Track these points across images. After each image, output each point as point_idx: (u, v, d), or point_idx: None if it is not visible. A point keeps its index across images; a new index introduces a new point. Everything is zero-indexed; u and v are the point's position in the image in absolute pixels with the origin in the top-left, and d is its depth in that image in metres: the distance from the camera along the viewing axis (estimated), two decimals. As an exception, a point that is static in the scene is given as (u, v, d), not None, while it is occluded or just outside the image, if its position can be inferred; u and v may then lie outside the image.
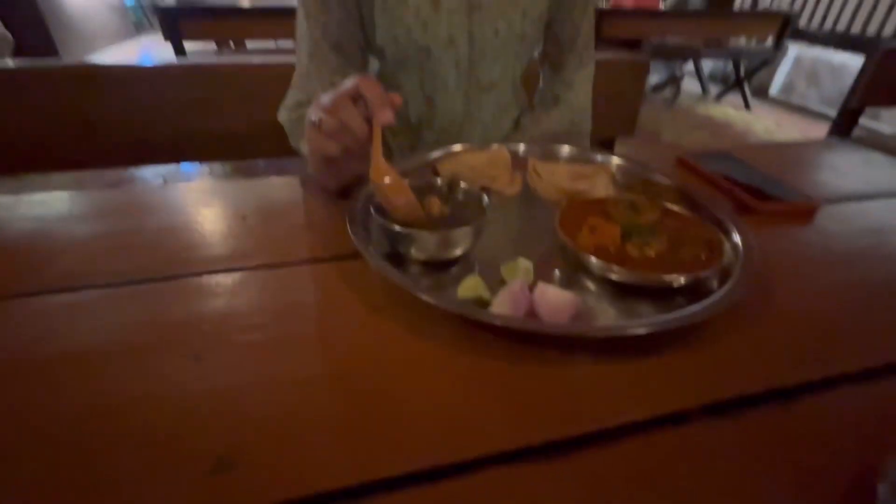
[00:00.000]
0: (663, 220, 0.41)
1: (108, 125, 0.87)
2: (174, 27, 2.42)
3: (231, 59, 0.87)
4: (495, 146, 0.56)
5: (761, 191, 0.52)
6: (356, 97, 0.38)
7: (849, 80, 3.58)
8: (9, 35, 3.56)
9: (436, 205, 0.39)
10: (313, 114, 0.40)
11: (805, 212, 0.51)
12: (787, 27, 3.38)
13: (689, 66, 4.19)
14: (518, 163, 0.55)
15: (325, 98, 0.39)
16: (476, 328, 0.32)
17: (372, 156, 0.38)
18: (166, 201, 0.52)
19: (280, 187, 0.55)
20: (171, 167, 2.00)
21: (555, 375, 0.30)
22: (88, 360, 0.30)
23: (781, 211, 0.50)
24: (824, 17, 3.97)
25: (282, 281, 0.38)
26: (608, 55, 1.12)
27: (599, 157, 0.55)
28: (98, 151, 0.90)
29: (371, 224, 0.40)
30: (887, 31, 3.52)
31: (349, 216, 0.39)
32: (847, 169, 0.66)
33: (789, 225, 0.49)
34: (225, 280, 0.38)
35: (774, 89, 4.27)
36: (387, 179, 0.38)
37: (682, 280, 0.35)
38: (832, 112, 3.66)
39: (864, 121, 2.28)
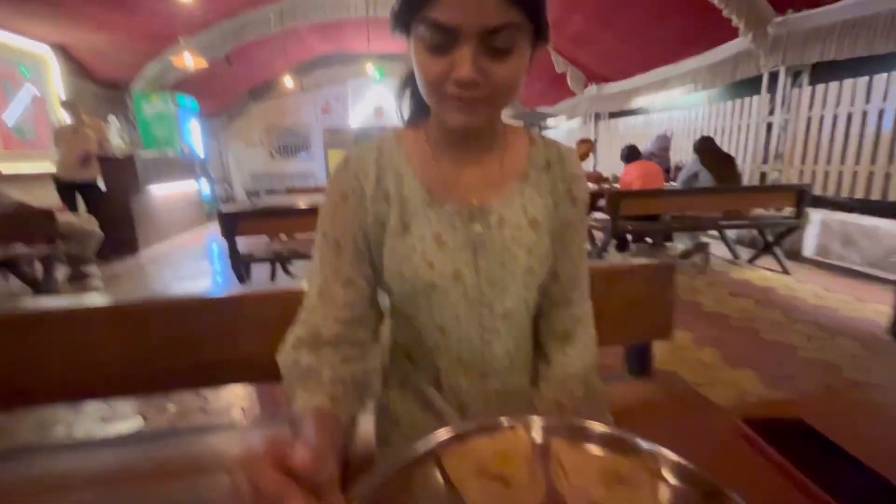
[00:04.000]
0: None
1: (123, 357, 0.87)
2: (231, 227, 2.75)
3: (246, 289, 0.91)
4: (509, 425, 0.48)
5: (861, 495, 0.39)
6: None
7: (888, 241, 3.52)
8: (100, 232, 4.16)
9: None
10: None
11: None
12: (803, 198, 3.49)
13: (713, 231, 4.29)
14: (538, 446, 0.46)
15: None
16: None
17: None
18: None
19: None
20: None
21: None
22: None
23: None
24: (838, 185, 4.12)
25: None
26: (634, 262, 1.11)
27: (643, 446, 0.45)
28: (116, 382, 0.88)
29: None
30: (910, 197, 3.55)
31: None
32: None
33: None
34: None
35: (808, 251, 4.23)
36: None
37: None
38: (881, 273, 3.50)
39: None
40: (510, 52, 0.51)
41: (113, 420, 1.83)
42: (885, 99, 3.65)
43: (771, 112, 4.63)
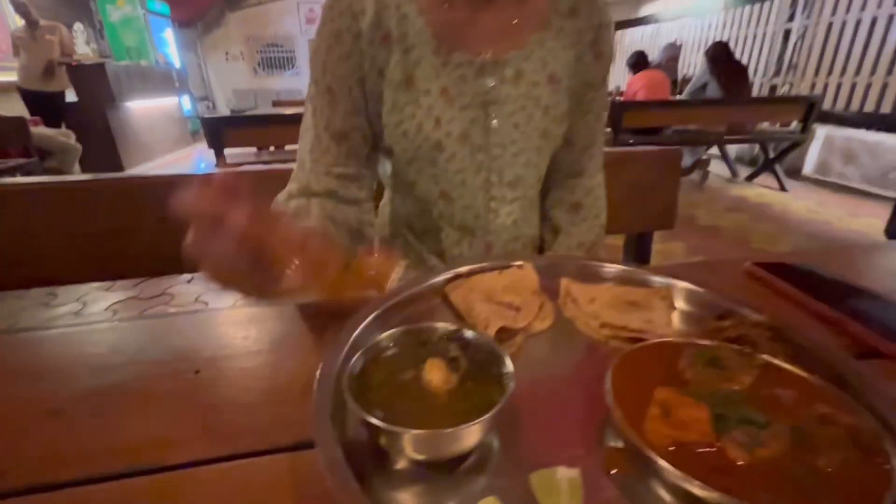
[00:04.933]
0: (765, 385, 0.28)
1: (109, 238, 0.84)
2: (217, 135, 2.62)
3: (233, 169, 0.86)
4: (518, 264, 0.46)
5: (882, 322, 0.39)
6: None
7: (890, 157, 3.46)
8: (77, 146, 3.99)
9: (438, 371, 0.28)
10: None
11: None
12: (812, 111, 3.36)
13: (714, 148, 4.19)
14: (547, 284, 0.44)
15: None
16: None
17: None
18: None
19: (251, 321, 0.46)
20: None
21: None
22: None
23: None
24: (849, 99, 3.96)
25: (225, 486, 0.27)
26: (638, 148, 1.06)
27: (655, 279, 0.44)
28: (98, 264, 0.87)
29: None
30: (922, 109, 3.43)
31: (317, 390, 0.29)
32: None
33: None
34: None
35: (808, 168, 4.17)
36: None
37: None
38: (877, 189, 3.48)
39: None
40: None
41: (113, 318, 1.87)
42: (915, -1, 3.38)
43: (791, 18, 4.31)
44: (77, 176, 0.79)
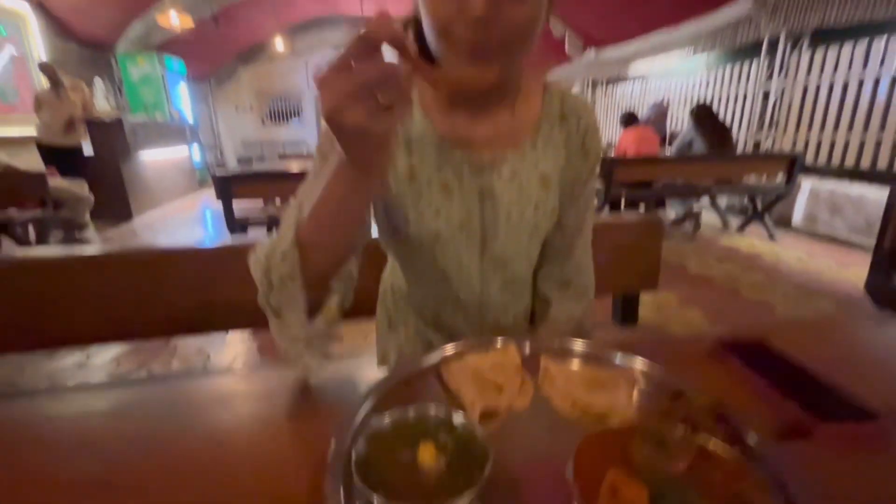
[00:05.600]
0: (700, 466, 0.34)
1: (125, 303, 0.91)
2: (227, 190, 2.75)
3: (240, 240, 0.93)
4: (502, 343, 0.53)
5: (815, 401, 0.45)
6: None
7: (872, 209, 3.58)
8: (90, 196, 4.14)
9: (429, 453, 0.34)
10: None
11: (875, 434, 0.42)
12: (794, 166, 3.53)
13: (705, 199, 4.34)
14: (528, 362, 0.51)
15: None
16: None
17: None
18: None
19: (268, 391, 0.52)
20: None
21: None
22: None
23: (845, 434, 0.42)
24: (830, 154, 4.16)
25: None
26: (623, 216, 1.15)
27: (619, 359, 0.50)
28: (121, 326, 0.92)
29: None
30: (898, 165, 3.60)
31: (330, 474, 0.34)
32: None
33: (856, 452, 0.40)
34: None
35: (797, 219, 4.30)
36: None
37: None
38: (863, 240, 3.59)
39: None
40: None
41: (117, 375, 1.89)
42: (882, 64, 3.63)
43: (769, 78, 4.60)
44: (96, 248, 0.87)
